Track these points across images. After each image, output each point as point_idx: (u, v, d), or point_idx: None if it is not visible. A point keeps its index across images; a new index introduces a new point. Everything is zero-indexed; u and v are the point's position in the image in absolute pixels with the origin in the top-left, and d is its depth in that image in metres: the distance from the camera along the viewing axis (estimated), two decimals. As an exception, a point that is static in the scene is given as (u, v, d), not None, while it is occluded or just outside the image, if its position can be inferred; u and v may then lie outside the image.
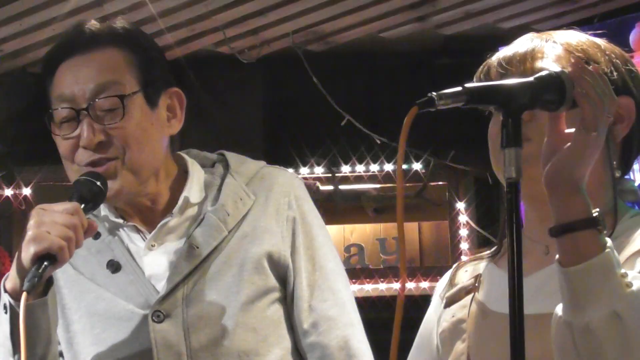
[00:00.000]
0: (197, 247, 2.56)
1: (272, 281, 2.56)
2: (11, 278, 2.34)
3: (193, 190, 2.64)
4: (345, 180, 6.54)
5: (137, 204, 2.62)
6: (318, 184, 6.40)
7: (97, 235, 2.58)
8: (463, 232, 6.60)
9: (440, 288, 2.37)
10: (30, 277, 2.22)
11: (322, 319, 2.56)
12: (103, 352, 2.57)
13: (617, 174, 2.16)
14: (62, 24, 5.91)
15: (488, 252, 2.30)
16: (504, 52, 2.20)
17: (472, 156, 6.39)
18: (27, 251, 2.25)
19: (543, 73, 1.92)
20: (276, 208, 2.61)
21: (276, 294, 2.57)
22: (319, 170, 6.43)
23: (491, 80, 2.15)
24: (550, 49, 2.17)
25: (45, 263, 2.22)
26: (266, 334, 2.53)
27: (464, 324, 2.20)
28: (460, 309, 2.23)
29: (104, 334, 2.57)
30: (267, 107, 6.33)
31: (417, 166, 6.41)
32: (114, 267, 2.59)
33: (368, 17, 6.19)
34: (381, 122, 6.35)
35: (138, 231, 2.63)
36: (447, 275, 2.37)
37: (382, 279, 6.33)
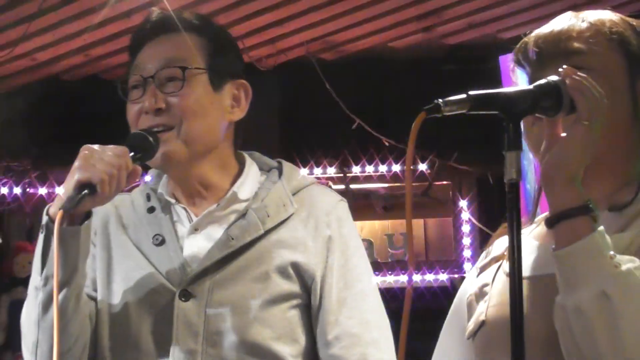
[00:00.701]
0: (233, 239, 2.55)
1: (297, 288, 2.53)
2: (54, 203, 2.36)
3: (243, 187, 2.64)
4: (356, 180, 6.55)
5: (189, 186, 2.64)
6: (330, 183, 6.42)
7: (151, 209, 2.65)
8: (465, 228, 6.62)
9: (479, 260, 2.36)
10: (68, 199, 2.27)
11: (346, 334, 2.52)
12: (129, 315, 2.56)
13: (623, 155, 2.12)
14: (93, 34, 5.92)
15: (529, 225, 2.26)
16: (541, 30, 2.17)
17: (474, 157, 6.39)
18: (72, 178, 2.31)
19: (542, 81, 1.93)
20: (315, 225, 2.59)
21: (298, 300, 2.54)
22: (331, 171, 6.45)
23: (527, 54, 2.14)
24: (585, 29, 2.12)
25: (86, 191, 2.28)
26: (280, 333, 2.50)
27: (487, 287, 2.19)
28: (487, 275, 2.22)
29: (134, 299, 2.57)
30: (282, 112, 6.34)
31: (422, 167, 6.42)
32: (159, 240, 2.60)
33: (378, 28, 6.19)
34: (389, 126, 6.33)
35: (187, 213, 2.64)
36: (486, 250, 2.37)
37: (390, 272, 6.34)
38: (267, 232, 2.57)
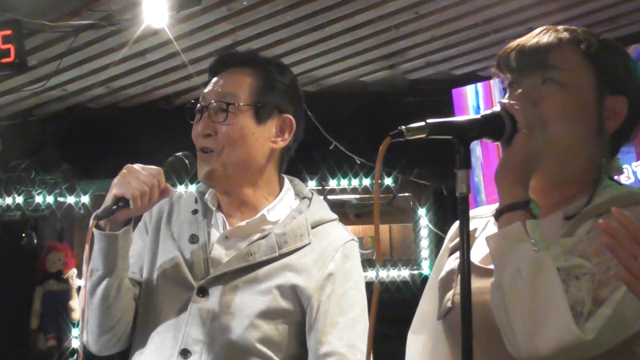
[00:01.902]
0: (251, 255, 2.55)
1: (292, 307, 2.52)
2: (98, 211, 2.42)
3: (273, 211, 2.64)
4: (332, 192, 6.52)
5: (229, 200, 2.66)
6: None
7: (194, 212, 2.67)
8: (423, 232, 6.60)
9: (448, 237, 2.34)
10: (102, 209, 2.37)
11: (335, 352, 2.50)
12: (157, 297, 2.59)
13: (604, 160, 2.09)
14: (114, 69, 5.90)
15: (492, 211, 2.19)
16: (523, 41, 2.12)
17: (431, 174, 6.39)
18: (111, 192, 2.38)
19: (487, 112, 1.95)
20: (322, 257, 2.57)
21: (291, 317, 2.53)
22: (312, 184, 6.42)
23: (509, 64, 2.10)
24: (562, 45, 2.08)
25: (120, 204, 2.35)
26: (269, 340, 2.49)
27: (454, 275, 2.16)
28: (454, 260, 2.19)
29: (163, 285, 2.59)
30: (272, 135, 6.33)
31: (388, 181, 6.40)
32: (193, 239, 2.62)
33: (351, 65, 6.20)
34: (361, 147, 6.34)
35: (223, 221, 2.64)
36: (454, 226, 2.33)
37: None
38: (281, 255, 2.56)
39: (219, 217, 2.65)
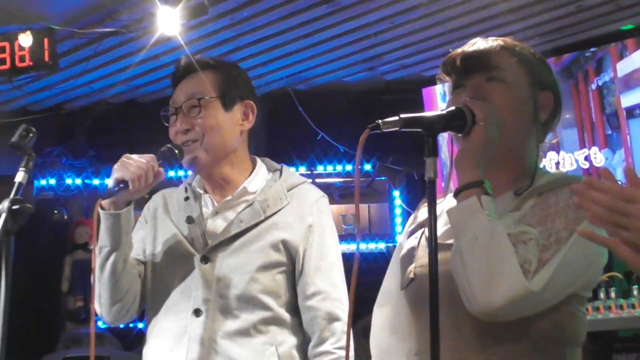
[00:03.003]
0: (242, 221, 2.58)
1: (283, 258, 2.56)
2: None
3: (252, 183, 2.67)
4: (319, 175, 6.52)
5: (213, 181, 2.67)
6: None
7: (186, 198, 2.68)
8: (397, 210, 6.60)
9: (407, 225, 2.31)
10: (106, 191, 2.41)
11: (319, 291, 2.56)
12: (165, 271, 2.61)
13: (541, 145, 2.13)
14: (133, 69, 5.90)
15: (442, 199, 2.24)
16: (465, 48, 2.13)
17: (404, 161, 6.39)
18: (112, 175, 2.39)
19: (451, 108, 1.94)
20: (301, 213, 2.62)
21: (284, 268, 2.56)
22: (302, 169, 6.42)
23: (455, 67, 2.10)
24: (500, 49, 2.10)
25: (121, 185, 2.36)
26: (269, 290, 2.53)
27: (414, 251, 2.15)
28: (415, 240, 2.18)
29: (169, 260, 2.61)
30: (268, 129, 6.32)
31: (367, 167, 6.40)
32: (189, 220, 2.63)
33: (336, 68, 6.20)
34: (343, 137, 6.34)
35: (211, 201, 2.66)
36: (412, 216, 2.32)
37: (343, 242, 6.30)
38: (267, 217, 2.59)
39: (207, 198, 2.67)
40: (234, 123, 2.65)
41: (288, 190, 2.66)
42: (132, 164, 2.40)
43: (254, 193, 2.65)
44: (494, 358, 1.93)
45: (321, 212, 2.67)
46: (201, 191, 2.67)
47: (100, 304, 2.53)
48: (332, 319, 2.55)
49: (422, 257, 2.09)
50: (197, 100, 2.58)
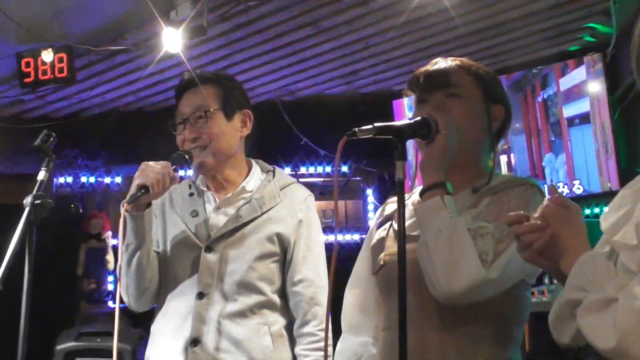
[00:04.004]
0: (241, 216, 2.59)
1: (277, 249, 2.59)
2: (126, 200, 2.45)
3: (249, 183, 2.68)
4: (302, 176, 6.51)
5: (217, 181, 2.68)
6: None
7: (191, 194, 2.68)
8: (370, 207, 6.59)
9: (375, 217, 2.35)
10: (130, 196, 2.40)
11: (305, 278, 2.59)
12: (173, 261, 2.62)
13: (493, 153, 2.16)
14: (141, 83, 5.88)
15: (408, 194, 2.23)
16: (427, 67, 2.15)
17: (376, 163, 6.39)
18: (134, 182, 2.42)
19: (419, 118, 1.98)
20: (293, 209, 2.64)
21: (277, 257, 2.59)
22: (287, 170, 6.41)
23: (418, 85, 2.12)
24: (458, 69, 2.12)
25: (142, 190, 2.39)
26: (264, 277, 2.56)
27: (384, 241, 2.17)
28: (384, 231, 2.20)
29: (176, 251, 2.62)
30: (258, 134, 6.29)
31: (344, 168, 6.40)
32: (194, 213, 2.64)
33: (318, 82, 6.21)
34: (324, 143, 6.35)
35: (214, 198, 2.67)
36: (379, 209, 2.35)
37: (324, 234, 6.29)
38: (262, 213, 2.60)
39: (209, 195, 2.67)
40: (234, 130, 2.67)
41: (281, 189, 2.67)
42: (151, 171, 2.42)
43: (251, 191, 2.65)
44: (454, 334, 1.96)
45: (309, 208, 2.68)
46: (204, 189, 2.68)
47: (128, 295, 2.54)
48: (315, 303, 2.57)
49: (391, 246, 2.11)
50: (204, 112, 2.59)
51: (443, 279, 1.86)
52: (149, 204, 2.49)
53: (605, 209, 1.69)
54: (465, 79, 2.09)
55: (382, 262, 2.13)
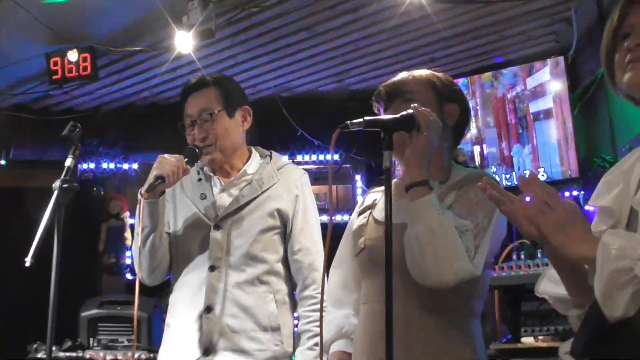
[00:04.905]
0: (244, 196, 2.61)
1: (278, 223, 2.60)
2: (144, 188, 2.47)
3: (250, 167, 2.69)
4: (299, 163, 6.46)
5: (222, 168, 2.69)
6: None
7: (199, 179, 2.69)
8: (358, 191, 6.58)
9: (357, 206, 2.38)
10: (148, 185, 2.43)
11: (304, 247, 2.61)
12: (185, 239, 2.63)
13: (447, 145, 2.19)
14: (156, 79, 5.86)
15: (380, 188, 2.26)
16: (389, 81, 2.23)
17: (365, 152, 6.38)
18: (152, 173, 2.44)
19: (404, 112, 1.99)
20: (289, 187, 2.65)
21: (278, 230, 2.61)
22: (285, 158, 6.38)
23: (381, 97, 2.21)
24: (412, 79, 2.20)
25: (159, 180, 2.42)
26: (268, 248, 2.59)
27: (364, 227, 2.21)
28: (364, 218, 2.24)
29: (188, 230, 2.63)
30: (259, 127, 6.28)
31: (336, 156, 6.38)
32: (203, 196, 2.64)
33: (313, 79, 6.19)
34: (318, 134, 6.34)
35: (219, 181, 2.68)
36: (360, 199, 2.40)
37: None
38: (263, 192, 2.62)
39: (216, 179, 2.69)
40: (237, 126, 2.68)
41: (278, 169, 2.68)
42: (167, 164, 2.44)
43: (252, 174, 2.66)
44: (431, 309, 2.02)
45: (304, 185, 2.69)
46: (211, 174, 2.69)
47: (142, 270, 2.54)
48: (313, 269, 2.60)
49: (371, 231, 2.17)
50: (209, 115, 2.59)
51: (433, 271, 1.91)
52: (163, 192, 2.51)
53: (593, 196, 1.64)
54: (418, 85, 2.16)
55: (362, 246, 2.18)
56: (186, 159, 2.51)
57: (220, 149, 2.61)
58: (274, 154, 2.78)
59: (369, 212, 2.24)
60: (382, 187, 2.28)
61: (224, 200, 2.63)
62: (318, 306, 2.50)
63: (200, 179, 2.68)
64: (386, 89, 2.20)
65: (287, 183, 2.65)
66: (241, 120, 2.69)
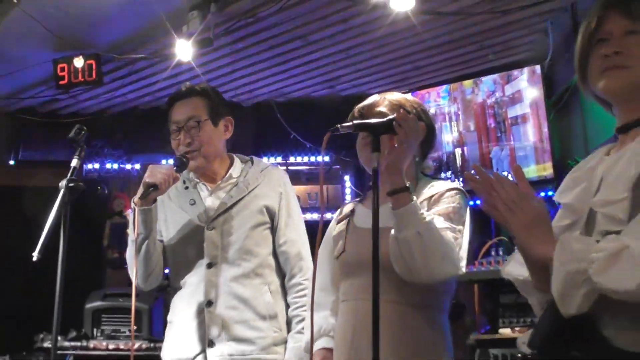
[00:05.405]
0: (232, 197, 2.61)
1: (266, 219, 2.61)
2: (135, 196, 2.46)
3: (234, 171, 2.69)
4: (292, 164, 6.48)
5: (207, 175, 2.68)
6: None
7: (186, 187, 2.67)
8: (347, 190, 6.58)
9: (335, 215, 2.41)
10: (141, 193, 2.42)
11: (289, 239, 2.63)
12: (180, 243, 2.62)
13: (418, 159, 2.25)
14: (159, 84, 5.85)
15: (357, 199, 2.37)
16: (363, 102, 2.27)
17: (353, 154, 6.34)
18: (144, 181, 2.42)
19: (391, 116, 1.99)
20: (273, 186, 2.66)
21: (267, 225, 2.62)
22: (279, 159, 6.40)
23: (355, 117, 2.23)
24: (382, 101, 2.23)
25: (151, 188, 2.40)
26: (260, 243, 2.61)
27: (344, 232, 2.25)
28: (343, 225, 2.27)
29: (182, 234, 2.62)
30: (256, 129, 6.29)
31: (326, 158, 6.37)
32: (192, 202, 2.64)
33: (306, 86, 6.16)
34: (310, 137, 6.33)
35: (205, 187, 2.67)
36: (338, 210, 2.42)
37: (309, 212, 6.29)
38: (249, 192, 2.62)
39: (202, 185, 2.68)
40: (220, 134, 2.67)
41: (260, 172, 2.69)
42: (159, 172, 2.43)
43: (237, 177, 2.66)
44: (406, 304, 2.07)
45: (286, 183, 2.70)
46: (197, 181, 2.68)
47: (137, 277, 2.51)
48: (300, 258, 2.62)
49: (351, 236, 2.22)
50: (196, 122, 2.58)
51: (423, 270, 1.94)
52: (155, 200, 2.50)
53: (558, 191, 1.67)
54: (389, 106, 2.18)
55: (343, 248, 2.21)
56: (175, 168, 2.51)
57: (203, 154, 2.60)
58: (254, 158, 2.80)
59: (347, 219, 2.28)
60: (358, 199, 2.35)
61: (213, 202, 2.63)
62: (305, 292, 2.54)
63: (187, 187, 2.69)
64: (360, 110, 2.24)
65: (271, 182, 2.67)
66: (224, 130, 2.70)
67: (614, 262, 1.33)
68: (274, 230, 2.63)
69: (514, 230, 1.49)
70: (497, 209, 1.51)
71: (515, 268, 1.63)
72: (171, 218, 2.65)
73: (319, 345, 2.25)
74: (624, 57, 1.55)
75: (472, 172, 1.58)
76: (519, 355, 3.77)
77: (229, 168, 2.70)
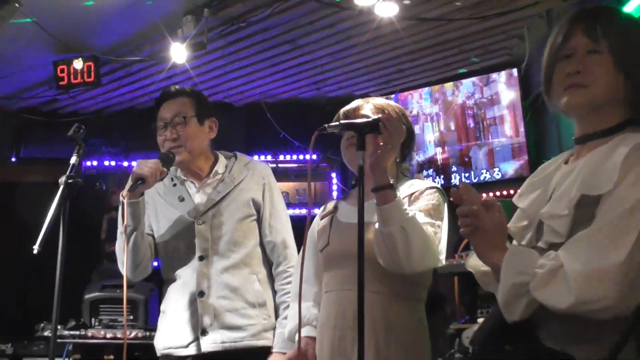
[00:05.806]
0: (219, 192, 2.60)
1: (253, 211, 2.61)
2: (124, 189, 2.42)
3: (219, 167, 2.67)
4: (281, 162, 6.47)
5: (193, 171, 2.65)
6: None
7: (174, 185, 2.65)
8: (334, 187, 6.57)
9: (320, 211, 2.41)
10: (130, 186, 2.39)
11: (274, 229, 2.63)
12: (172, 238, 2.60)
13: (398, 160, 2.26)
14: (157, 85, 5.82)
15: (340, 197, 2.43)
16: (348, 106, 2.28)
17: (339, 152, 6.36)
18: (132, 174, 2.39)
19: (376, 117, 1.98)
20: (257, 179, 2.65)
21: (254, 217, 2.62)
22: (269, 157, 6.38)
23: (340, 117, 2.24)
24: (367, 106, 2.23)
25: (139, 181, 2.37)
26: (248, 234, 2.60)
27: (327, 227, 2.26)
28: (327, 220, 2.28)
29: (174, 230, 2.60)
30: (246, 128, 6.28)
31: (314, 156, 6.36)
32: (181, 198, 2.62)
33: (294, 87, 6.16)
34: (298, 136, 6.32)
35: (193, 184, 2.65)
36: (322, 207, 2.42)
37: (297, 208, 6.29)
38: (235, 186, 2.62)
39: (189, 182, 2.67)
40: (205, 133, 2.66)
41: (245, 166, 2.68)
42: (146, 166, 2.40)
43: (222, 173, 2.65)
44: (389, 295, 2.08)
45: (269, 176, 2.69)
46: (184, 178, 2.66)
47: (125, 268, 2.42)
48: (285, 246, 2.63)
49: (335, 230, 2.23)
50: (183, 118, 2.57)
51: (406, 262, 1.95)
52: (142, 193, 2.46)
53: (517, 194, 1.71)
54: (372, 110, 2.19)
55: (327, 242, 2.22)
56: (162, 163, 2.49)
57: (189, 149, 2.58)
58: (238, 153, 2.79)
59: (331, 215, 2.29)
60: (341, 197, 2.38)
61: (202, 198, 2.62)
62: (291, 279, 2.55)
63: (175, 184, 2.67)
64: (345, 112, 2.24)
65: (255, 175, 2.67)
66: (208, 130, 2.68)
67: (550, 280, 1.39)
68: (260, 221, 2.63)
69: (472, 238, 1.55)
70: (467, 225, 1.55)
71: (477, 261, 1.65)
72: (162, 214, 2.63)
73: (302, 333, 2.26)
74: (584, 76, 1.56)
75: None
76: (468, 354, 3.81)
77: (214, 165, 2.69)
